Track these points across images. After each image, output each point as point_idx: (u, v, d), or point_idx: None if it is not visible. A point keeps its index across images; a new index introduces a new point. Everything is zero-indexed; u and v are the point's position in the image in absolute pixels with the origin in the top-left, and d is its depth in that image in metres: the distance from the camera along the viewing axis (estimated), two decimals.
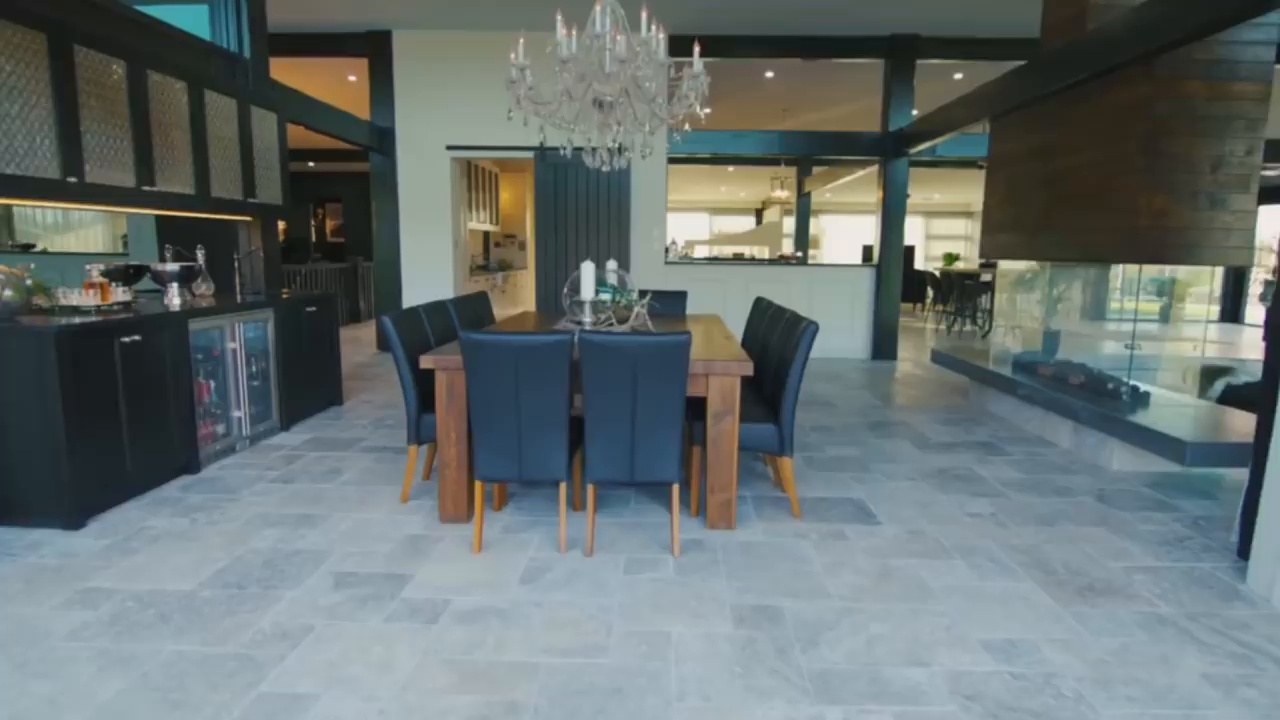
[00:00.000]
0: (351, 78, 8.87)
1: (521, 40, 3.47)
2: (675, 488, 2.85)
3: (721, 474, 3.05)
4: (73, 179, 3.46)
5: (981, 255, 5.51)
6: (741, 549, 2.90)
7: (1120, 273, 4.75)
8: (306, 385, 4.95)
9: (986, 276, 10.09)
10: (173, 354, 3.68)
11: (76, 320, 3.26)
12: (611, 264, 4.18)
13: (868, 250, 11.90)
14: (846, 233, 17.65)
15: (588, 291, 3.47)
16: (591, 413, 2.77)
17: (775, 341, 3.55)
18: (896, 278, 7.62)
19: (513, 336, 2.66)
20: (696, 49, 3.54)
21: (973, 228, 17.35)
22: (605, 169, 3.89)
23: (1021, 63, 5.02)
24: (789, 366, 3.12)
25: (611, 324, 3.75)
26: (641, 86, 3.58)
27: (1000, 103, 5.13)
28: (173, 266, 4.29)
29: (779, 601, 2.47)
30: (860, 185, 13.05)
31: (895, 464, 4.06)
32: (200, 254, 4.63)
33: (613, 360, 2.67)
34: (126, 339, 3.37)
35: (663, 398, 2.73)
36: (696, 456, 3.24)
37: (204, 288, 4.65)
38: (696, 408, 3.14)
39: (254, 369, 4.43)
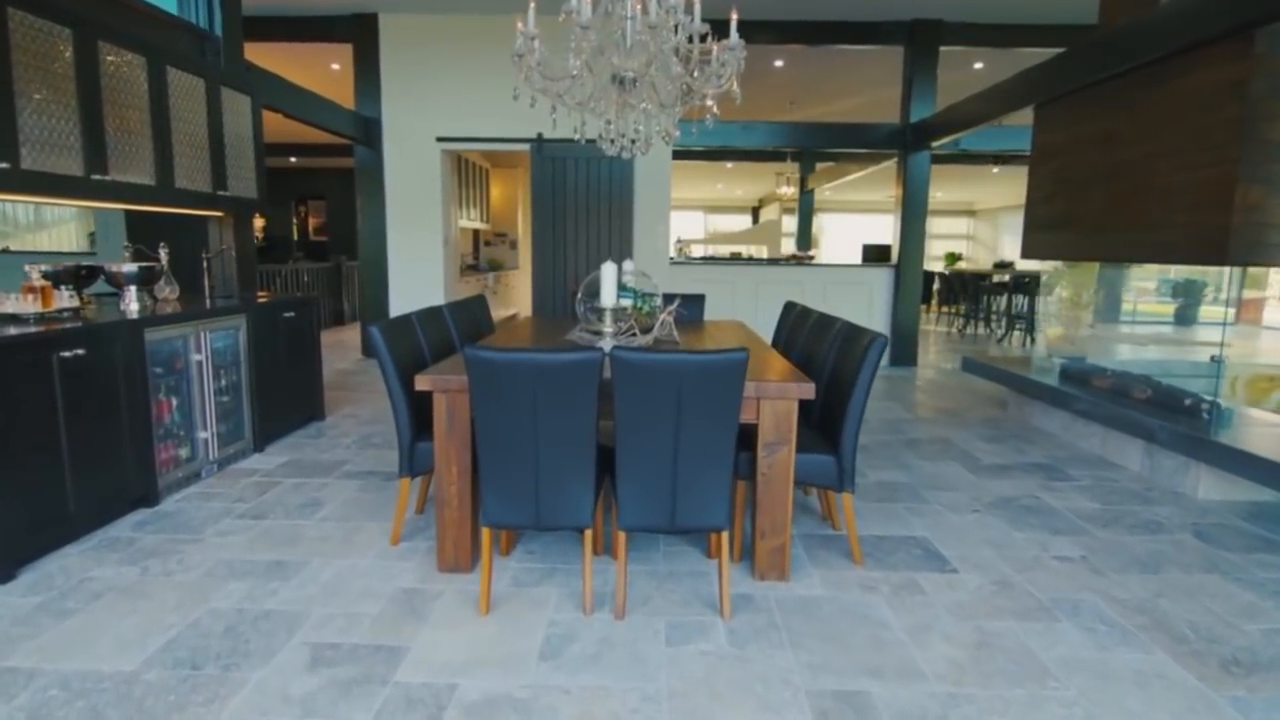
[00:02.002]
0: (335, 66, 8.33)
1: (533, 4, 2.97)
2: (724, 536, 2.38)
3: (774, 515, 2.57)
4: (4, 165, 2.94)
5: (1023, 255, 5.08)
6: (801, 607, 2.43)
7: (1129, 272, 4.33)
8: (284, 399, 4.43)
9: (1001, 277, 9.69)
10: (126, 368, 3.16)
11: (11, 331, 2.75)
12: (629, 265, 3.70)
13: (868, 249, 11.45)
14: (845, 231, 17.24)
15: (609, 297, 2.98)
16: (625, 447, 2.28)
17: (825, 355, 3.08)
18: (916, 279, 7.19)
19: (531, 354, 2.18)
20: (734, 17, 3.07)
21: (975, 227, 17.02)
22: (626, 155, 3.41)
23: (1058, 50, 4.61)
24: (851, 386, 2.65)
25: (634, 334, 3.27)
26: (669, 60, 3.11)
27: (1049, 88, 4.69)
28: (130, 267, 3.77)
29: (865, 685, 2.00)
30: (862, 182, 12.64)
31: (951, 491, 3.60)
32: (163, 253, 4.10)
33: (653, 383, 2.19)
34: (68, 353, 2.85)
35: (712, 428, 2.25)
36: (741, 493, 2.77)
37: (167, 291, 4.13)
38: (742, 437, 2.67)
39: (223, 382, 3.91)
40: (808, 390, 2.46)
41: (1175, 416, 3.74)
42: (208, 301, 4.24)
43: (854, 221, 17.38)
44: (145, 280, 3.85)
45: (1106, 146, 4.22)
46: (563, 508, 2.34)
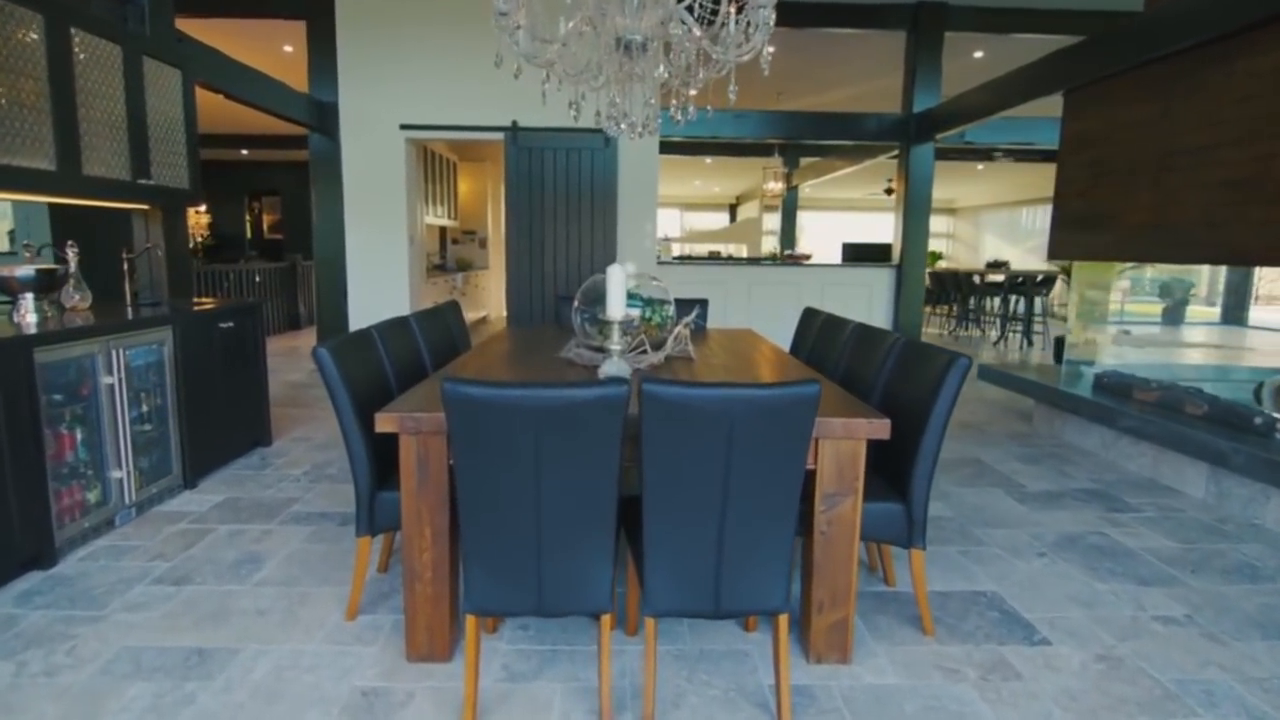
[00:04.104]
0: (288, 48, 7.61)
1: None
2: (784, 620, 1.85)
3: (835, 583, 2.05)
4: None
5: (1052, 256, 4.66)
6: (875, 704, 1.91)
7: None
8: (222, 424, 3.79)
9: (995, 277, 9.36)
10: (8, 397, 2.52)
11: None
12: (631, 267, 3.15)
13: (848, 248, 11.02)
14: (824, 229, 16.87)
15: (617, 307, 2.43)
16: (656, 510, 1.74)
17: (874, 376, 2.57)
18: (920, 280, 6.77)
19: (532, 390, 1.62)
20: None
21: (956, 225, 16.80)
22: (632, 136, 2.87)
23: (1071, 38, 4.21)
24: (923, 419, 2.14)
25: (644, 350, 2.73)
26: (685, 21, 2.58)
27: (1085, 70, 4.26)
28: (23, 271, 3.11)
29: None
30: (844, 179, 12.25)
31: (1004, 528, 3.13)
32: (71, 252, 3.45)
33: (696, 425, 1.65)
34: None
35: (772, 483, 1.73)
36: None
37: (76, 299, 3.47)
38: None
39: (144, 408, 3.27)
40: (881, 429, 1.94)
41: (1243, 436, 3.33)
42: (128, 310, 3.59)
43: (833, 220, 17.04)
44: (46, 286, 3.20)
45: (1156, 134, 3.80)
46: (574, 588, 1.79)
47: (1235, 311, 11.83)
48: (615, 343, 2.46)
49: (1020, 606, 2.45)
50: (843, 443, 1.98)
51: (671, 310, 2.89)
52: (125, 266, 3.84)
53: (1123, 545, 2.95)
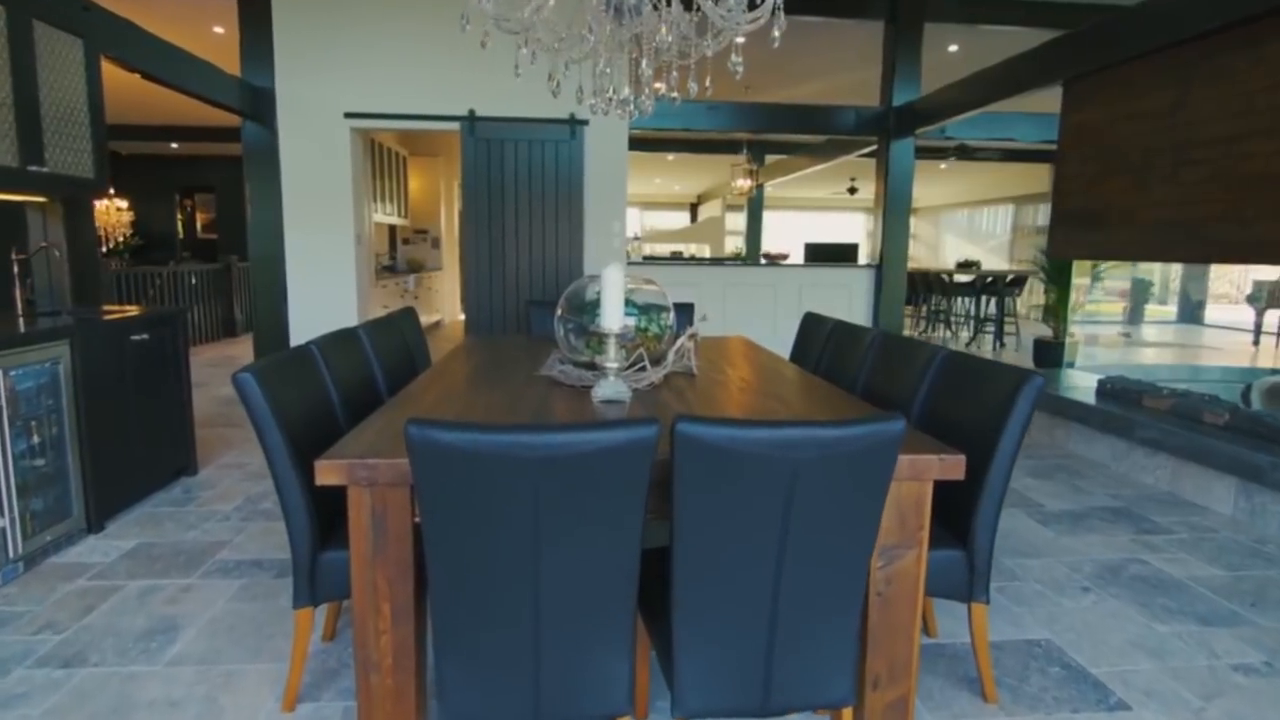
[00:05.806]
0: (218, 29, 6.97)
1: None
2: (847, 714, 1.47)
3: (895, 653, 1.68)
4: None
5: (1052, 255, 4.43)
6: None
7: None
8: (135, 453, 3.25)
9: (964, 277, 9.22)
10: None
11: None
12: (620, 268, 2.74)
13: (811, 248, 10.82)
14: (783, 229, 16.71)
15: (614, 316, 2.03)
16: (693, 584, 1.34)
17: (914, 395, 2.22)
18: (900, 281, 6.51)
19: (528, 435, 1.21)
20: None
21: (916, 225, 16.80)
22: (628, 115, 2.47)
23: (1056, 31, 3.97)
24: (989, 450, 1.79)
25: (643, 367, 2.33)
26: None
27: (1091, 57, 4.01)
28: None
29: None
30: (807, 178, 12.05)
31: (1035, 557, 2.82)
32: None
33: (749, 475, 1.26)
34: None
35: (840, 545, 1.35)
36: None
37: None
38: None
39: (35, 440, 2.72)
40: (954, 467, 1.58)
41: (1273, 448, 3.10)
42: (18, 321, 3.03)
43: (792, 219, 16.88)
44: None
45: (1171, 125, 3.56)
46: (582, 689, 1.38)
47: (1193, 310, 12.06)
48: (612, 359, 2.05)
49: (1083, 659, 2.12)
50: (905, 485, 1.60)
51: (671, 319, 2.49)
52: (15, 270, 3.26)
53: (1169, 575, 2.67)
